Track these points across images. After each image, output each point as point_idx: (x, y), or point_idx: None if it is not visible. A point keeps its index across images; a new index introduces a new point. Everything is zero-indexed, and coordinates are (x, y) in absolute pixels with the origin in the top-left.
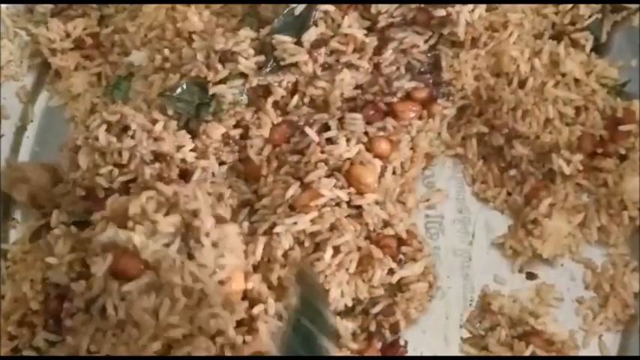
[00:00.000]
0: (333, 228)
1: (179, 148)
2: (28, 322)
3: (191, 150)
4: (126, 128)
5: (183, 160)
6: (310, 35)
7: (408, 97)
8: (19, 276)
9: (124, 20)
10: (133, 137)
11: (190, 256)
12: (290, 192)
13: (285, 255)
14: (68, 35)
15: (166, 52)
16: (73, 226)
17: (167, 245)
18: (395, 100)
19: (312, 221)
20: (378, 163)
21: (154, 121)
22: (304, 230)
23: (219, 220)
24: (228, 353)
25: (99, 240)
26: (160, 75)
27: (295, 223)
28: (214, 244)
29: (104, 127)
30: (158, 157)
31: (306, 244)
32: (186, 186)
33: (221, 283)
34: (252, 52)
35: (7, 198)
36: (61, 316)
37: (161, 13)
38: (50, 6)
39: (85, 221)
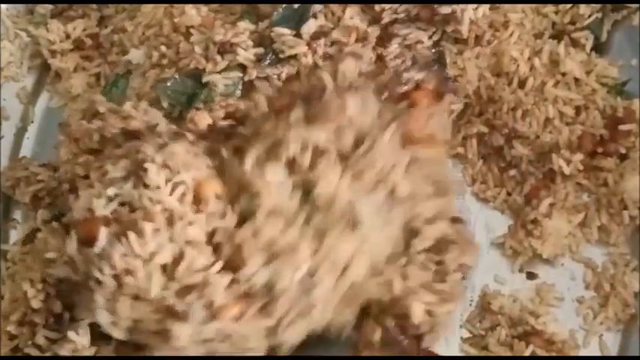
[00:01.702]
0: None
1: (152, 127)
2: (29, 321)
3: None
4: (97, 113)
5: None
6: (310, 27)
7: (417, 88)
8: (19, 276)
9: (123, 20)
10: (101, 119)
11: (146, 186)
12: None
13: None
14: (68, 36)
15: (163, 48)
16: (56, 221)
17: (121, 188)
18: (406, 89)
19: None
20: None
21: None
22: None
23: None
24: None
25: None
26: (155, 71)
27: None
28: (165, 166)
29: (78, 115)
30: (132, 138)
31: None
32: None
33: (185, 195)
34: (251, 43)
35: (8, 198)
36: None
37: (159, 12)
38: (50, 7)
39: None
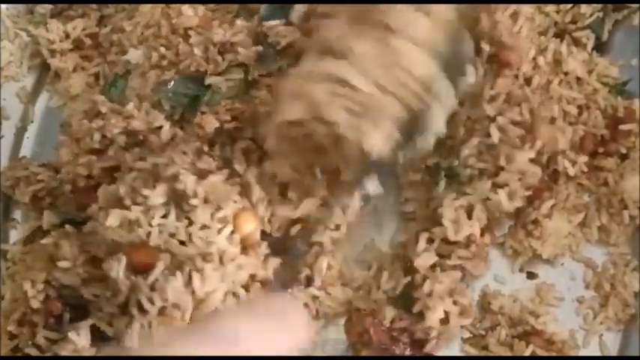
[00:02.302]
0: None
1: (156, 129)
2: (29, 321)
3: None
4: (98, 113)
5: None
6: (299, 12)
7: None
8: (19, 276)
9: (122, 20)
10: (102, 119)
11: (190, 222)
12: None
13: None
14: (67, 36)
15: (162, 49)
16: (68, 225)
17: (165, 217)
18: None
19: None
20: None
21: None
22: None
23: (202, 174)
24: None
25: (105, 241)
26: (155, 72)
27: None
28: (206, 200)
29: (79, 115)
30: (133, 138)
31: None
32: (163, 155)
33: (233, 232)
34: (250, 41)
35: (8, 198)
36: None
37: (157, 12)
38: (50, 6)
39: (79, 219)
